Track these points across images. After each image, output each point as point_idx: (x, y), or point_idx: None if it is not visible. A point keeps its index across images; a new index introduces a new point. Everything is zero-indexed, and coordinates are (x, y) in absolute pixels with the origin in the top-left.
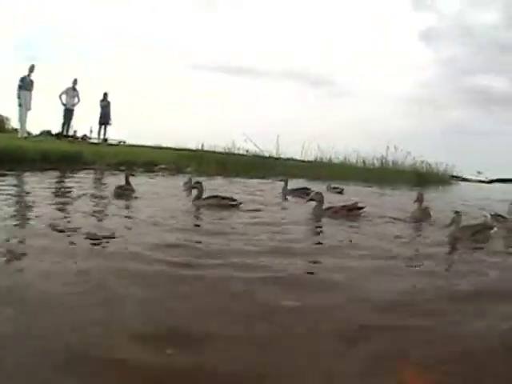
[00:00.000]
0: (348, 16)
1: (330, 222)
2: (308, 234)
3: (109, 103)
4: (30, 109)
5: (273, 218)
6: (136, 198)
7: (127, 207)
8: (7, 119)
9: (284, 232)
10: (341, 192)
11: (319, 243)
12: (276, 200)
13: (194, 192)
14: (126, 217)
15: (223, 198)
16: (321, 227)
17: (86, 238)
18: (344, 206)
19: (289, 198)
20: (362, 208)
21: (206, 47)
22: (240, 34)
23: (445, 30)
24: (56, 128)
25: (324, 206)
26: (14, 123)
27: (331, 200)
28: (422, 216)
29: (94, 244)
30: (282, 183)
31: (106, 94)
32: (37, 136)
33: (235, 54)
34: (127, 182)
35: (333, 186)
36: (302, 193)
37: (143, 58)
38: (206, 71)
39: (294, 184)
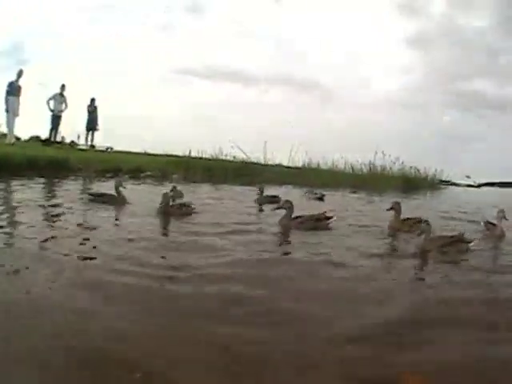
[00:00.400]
0: (335, 20)
1: (296, 232)
2: (267, 245)
3: (95, 108)
4: (17, 115)
5: (236, 227)
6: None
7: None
8: None
9: (241, 243)
10: (321, 198)
11: (268, 257)
12: (246, 209)
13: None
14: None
15: (318, 218)
16: (283, 238)
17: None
18: (312, 216)
19: (264, 206)
20: (330, 218)
21: (191, 51)
22: (225, 38)
23: (434, 34)
24: (45, 134)
25: (294, 215)
26: (3, 128)
27: (309, 207)
28: (399, 226)
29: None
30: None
31: (93, 100)
32: (26, 141)
33: (220, 58)
34: (117, 191)
35: (314, 191)
36: (277, 201)
37: (129, 63)
38: (191, 75)
39: (274, 191)
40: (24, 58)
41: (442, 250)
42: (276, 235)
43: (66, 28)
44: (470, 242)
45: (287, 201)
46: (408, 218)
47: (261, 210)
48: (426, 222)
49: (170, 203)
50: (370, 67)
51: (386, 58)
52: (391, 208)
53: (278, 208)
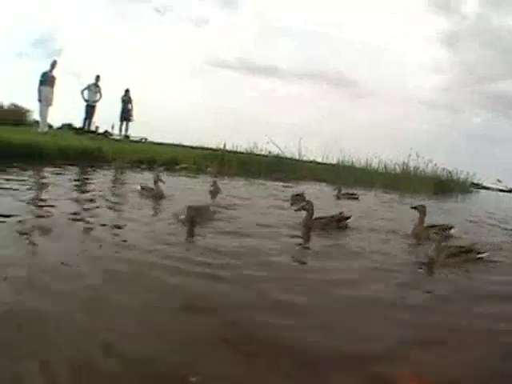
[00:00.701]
0: (368, 17)
1: (318, 233)
2: (285, 246)
3: (130, 99)
4: (51, 104)
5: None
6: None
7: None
8: (28, 111)
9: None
10: (356, 198)
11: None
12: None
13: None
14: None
15: (338, 219)
16: (302, 239)
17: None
18: (333, 217)
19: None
20: (348, 218)
21: (227, 45)
22: (261, 32)
23: (466, 34)
24: (77, 122)
25: (316, 216)
26: (35, 116)
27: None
28: (421, 232)
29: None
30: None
31: (127, 91)
32: (58, 129)
33: (256, 52)
34: (155, 185)
35: (348, 191)
36: (356, 197)
37: (165, 54)
38: (226, 69)
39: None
40: (56, 48)
41: (446, 262)
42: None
43: (99, 19)
44: (481, 253)
45: (308, 202)
46: (433, 226)
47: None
48: (448, 228)
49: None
50: (402, 66)
51: (419, 57)
52: (415, 207)
53: (299, 209)
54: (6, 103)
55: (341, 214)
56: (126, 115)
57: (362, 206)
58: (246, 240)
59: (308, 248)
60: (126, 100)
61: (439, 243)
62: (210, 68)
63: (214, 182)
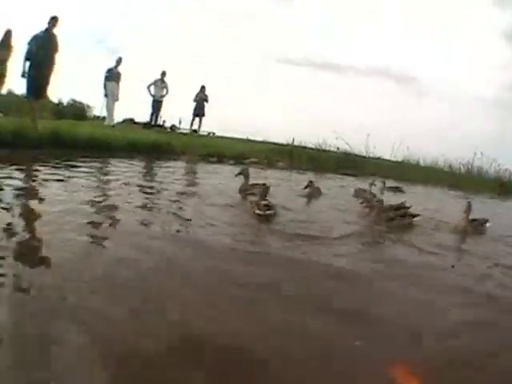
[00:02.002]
0: (431, 13)
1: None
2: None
3: (206, 96)
4: (117, 99)
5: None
6: None
7: None
8: (88, 107)
9: None
10: (401, 191)
11: None
12: None
13: None
14: None
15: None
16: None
17: None
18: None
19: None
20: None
21: (293, 41)
22: (322, 27)
23: None
24: (140, 117)
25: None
26: (96, 111)
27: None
28: (463, 226)
29: None
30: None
31: (203, 87)
32: (119, 123)
33: (319, 48)
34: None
35: (393, 186)
36: None
37: (230, 52)
38: (293, 65)
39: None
40: (114, 45)
41: None
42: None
43: (158, 17)
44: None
45: (378, 200)
46: (474, 220)
47: None
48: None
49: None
50: (466, 63)
51: (484, 54)
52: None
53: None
54: (66, 99)
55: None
56: (200, 111)
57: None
58: None
59: None
60: (202, 96)
61: None
62: (277, 64)
63: (311, 182)
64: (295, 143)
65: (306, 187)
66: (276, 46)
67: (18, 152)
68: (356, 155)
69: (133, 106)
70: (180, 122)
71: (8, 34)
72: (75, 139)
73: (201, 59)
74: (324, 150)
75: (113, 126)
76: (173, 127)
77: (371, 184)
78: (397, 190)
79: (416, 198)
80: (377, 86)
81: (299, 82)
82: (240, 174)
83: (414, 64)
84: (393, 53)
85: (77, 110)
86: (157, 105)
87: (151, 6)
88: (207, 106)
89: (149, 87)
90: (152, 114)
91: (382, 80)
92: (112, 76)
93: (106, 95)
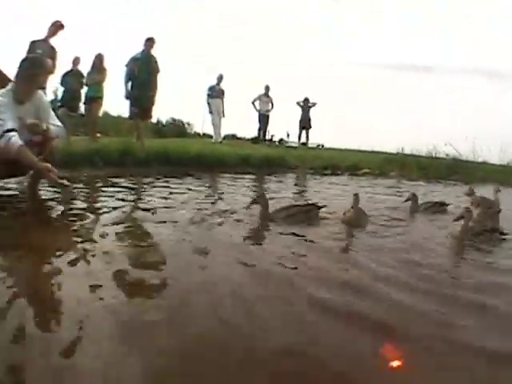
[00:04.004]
0: None
1: None
2: None
3: (309, 107)
4: (223, 116)
5: None
6: None
7: None
8: (189, 124)
9: None
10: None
11: None
12: None
13: None
14: None
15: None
16: None
17: None
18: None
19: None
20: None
21: (370, 44)
22: (401, 29)
23: None
24: (241, 132)
25: None
26: (197, 128)
27: None
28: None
29: None
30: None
31: (306, 99)
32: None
33: (396, 50)
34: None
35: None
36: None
37: (327, 62)
38: (390, 69)
39: None
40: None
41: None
42: None
43: (254, 33)
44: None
45: (467, 210)
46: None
47: None
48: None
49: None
50: None
51: None
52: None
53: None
54: (165, 117)
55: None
56: (305, 124)
57: None
58: None
59: None
60: (306, 108)
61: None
62: (372, 69)
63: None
64: (405, 151)
65: (406, 200)
66: (367, 51)
67: (125, 170)
68: (464, 161)
69: (233, 121)
70: (288, 136)
71: (100, 57)
72: (184, 156)
73: (302, 72)
74: (434, 158)
75: (220, 142)
76: (281, 141)
77: (496, 191)
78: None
79: None
80: (469, 84)
81: (400, 86)
82: (255, 202)
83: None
84: (482, 50)
85: (177, 128)
86: (263, 119)
87: (247, 23)
88: (313, 119)
89: (253, 102)
90: (259, 129)
91: (476, 78)
92: (215, 93)
93: (210, 112)
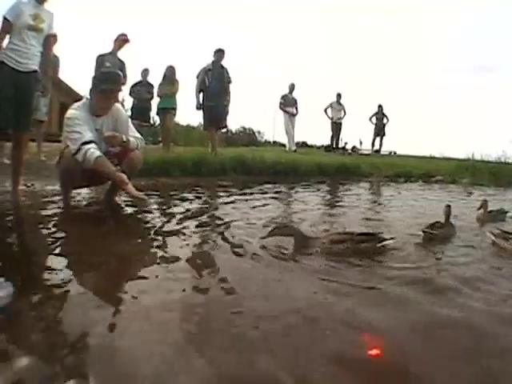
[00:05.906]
0: None
1: None
2: None
3: (384, 115)
4: (294, 126)
5: None
6: None
7: None
8: (259, 133)
9: None
10: None
11: None
12: None
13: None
14: None
15: None
16: None
17: None
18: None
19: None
20: None
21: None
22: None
23: None
24: (311, 140)
25: None
26: (268, 137)
27: None
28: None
29: None
30: None
31: (380, 107)
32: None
33: (459, 53)
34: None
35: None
36: None
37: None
38: (457, 73)
39: None
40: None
41: None
42: None
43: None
44: None
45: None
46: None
47: None
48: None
49: None
50: None
51: None
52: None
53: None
54: (235, 126)
55: None
56: (380, 131)
57: None
58: None
59: None
60: (380, 116)
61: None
62: (442, 73)
63: (485, 202)
64: (476, 157)
65: (479, 208)
66: (438, 55)
67: (201, 180)
68: None
69: (303, 129)
70: (361, 143)
71: (171, 69)
72: (260, 165)
73: (376, 78)
74: (504, 163)
75: (295, 151)
76: (354, 148)
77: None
78: None
79: None
80: None
81: (464, 89)
82: (273, 234)
83: None
84: None
85: (247, 137)
86: (336, 127)
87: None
88: (387, 126)
89: (326, 110)
90: (332, 137)
91: None
92: (288, 102)
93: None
